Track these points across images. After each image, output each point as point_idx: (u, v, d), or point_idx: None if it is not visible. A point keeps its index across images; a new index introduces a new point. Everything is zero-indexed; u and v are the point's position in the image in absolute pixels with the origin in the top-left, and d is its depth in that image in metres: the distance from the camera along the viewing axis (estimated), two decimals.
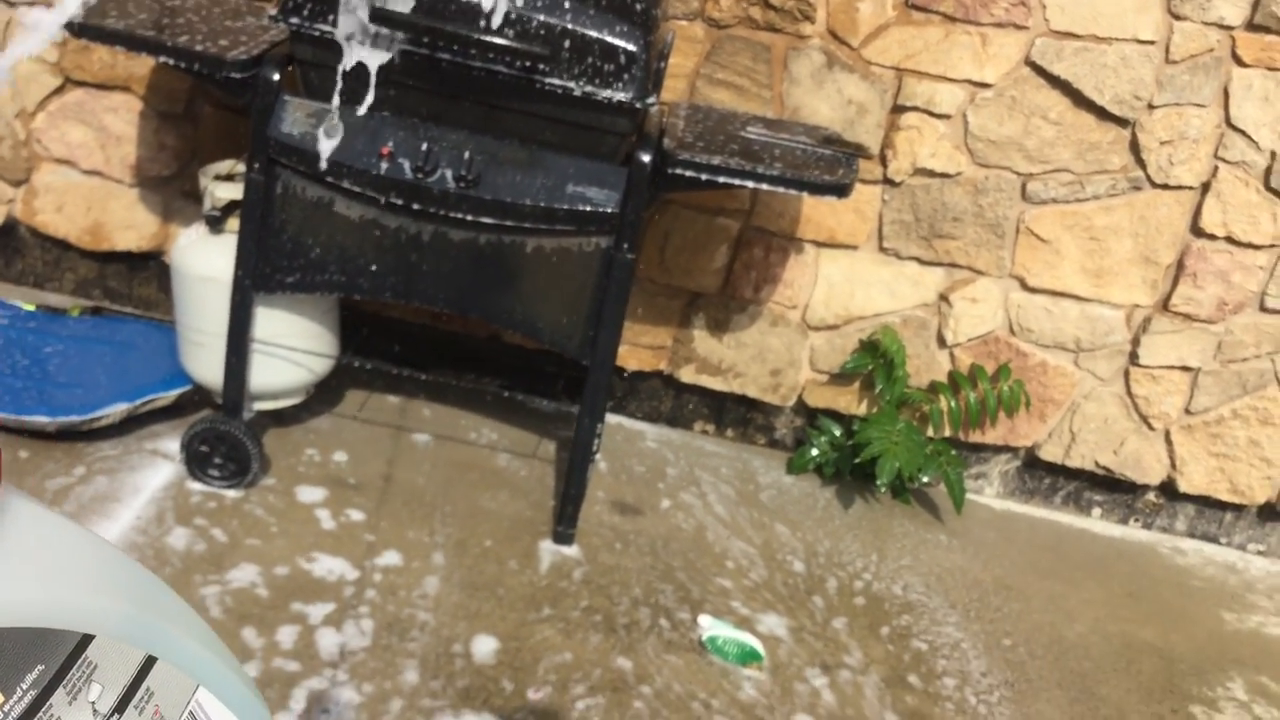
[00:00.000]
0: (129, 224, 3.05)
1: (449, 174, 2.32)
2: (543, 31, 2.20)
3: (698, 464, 3.06)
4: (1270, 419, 3.04)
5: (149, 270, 3.13)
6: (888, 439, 2.92)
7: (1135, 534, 3.21)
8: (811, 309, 3.02)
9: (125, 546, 2.34)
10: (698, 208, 2.92)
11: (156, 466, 2.59)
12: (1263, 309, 2.94)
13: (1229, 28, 2.69)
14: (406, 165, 2.32)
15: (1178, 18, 2.69)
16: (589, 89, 2.24)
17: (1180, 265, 2.91)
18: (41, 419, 2.54)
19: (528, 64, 2.22)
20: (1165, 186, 2.84)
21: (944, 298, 2.98)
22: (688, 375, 3.10)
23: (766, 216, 2.92)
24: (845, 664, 2.46)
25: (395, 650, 2.22)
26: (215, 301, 2.50)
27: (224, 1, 2.65)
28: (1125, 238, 2.89)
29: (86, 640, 0.56)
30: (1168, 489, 3.17)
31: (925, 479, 3.06)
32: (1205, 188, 2.84)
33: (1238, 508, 3.19)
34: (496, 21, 2.19)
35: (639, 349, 3.07)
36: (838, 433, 3.09)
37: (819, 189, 2.39)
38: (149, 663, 0.59)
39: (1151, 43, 2.71)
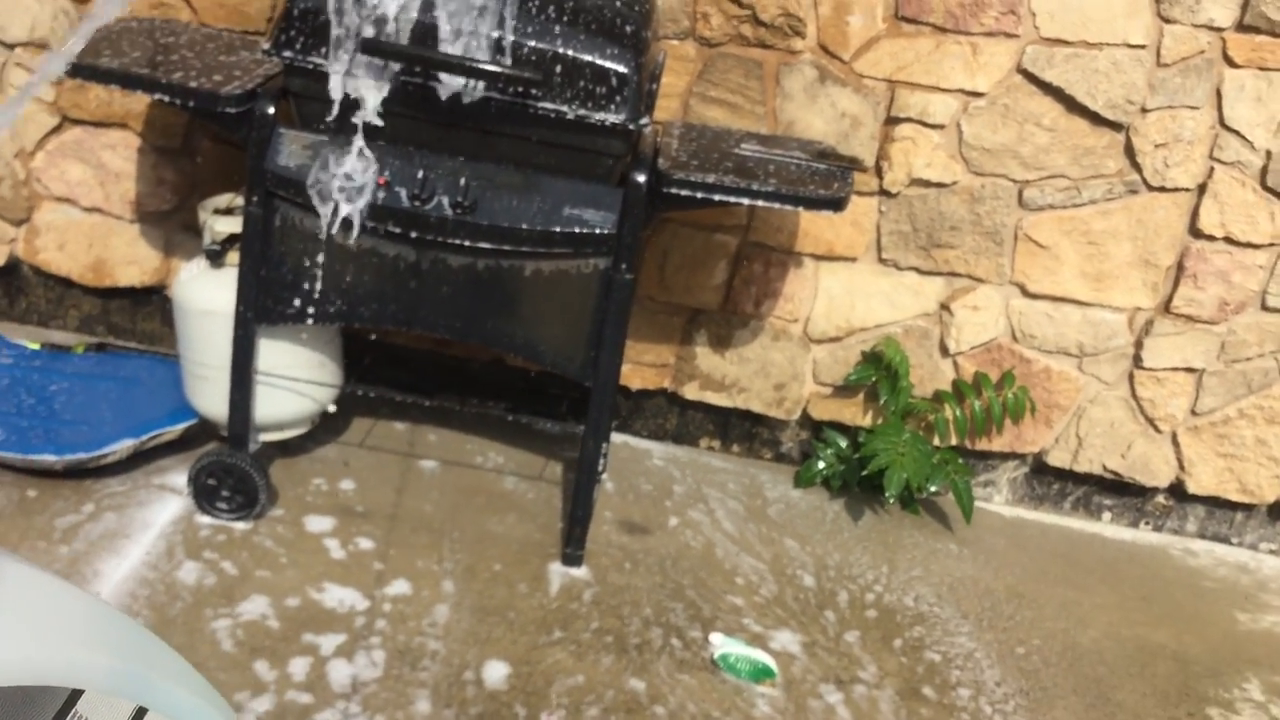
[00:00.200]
0: (131, 260, 3.07)
1: (446, 201, 2.33)
2: (534, 57, 2.21)
3: (704, 481, 3.06)
4: (1276, 418, 3.03)
5: (152, 305, 3.14)
6: (894, 450, 2.92)
7: (1146, 537, 3.20)
8: (813, 322, 3.02)
9: (136, 582, 2.35)
10: (696, 225, 2.93)
11: (165, 501, 2.60)
12: (1264, 308, 2.93)
13: (1219, 29, 2.69)
14: (403, 194, 2.33)
15: (1168, 21, 2.69)
16: (582, 112, 2.25)
17: (1180, 267, 2.91)
18: (49, 458, 2.55)
19: (520, 89, 2.23)
20: (1162, 189, 2.84)
21: (945, 307, 2.98)
22: (692, 392, 3.10)
23: (764, 231, 2.92)
24: (859, 678, 2.46)
25: (407, 680, 2.22)
26: (218, 335, 2.51)
27: (218, 37, 2.67)
28: (1124, 241, 2.89)
29: (76, 695, 0.56)
30: (1177, 491, 3.16)
31: (933, 489, 3.06)
32: (1202, 189, 2.84)
33: (1248, 507, 3.18)
34: (485, 49, 2.20)
35: (642, 367, 3.08)
36: (844, 445, 3.09)
37: (815, 204, 2.39)
38: (139, 714, 0.60)
39: (1142, 47, 2.71)
